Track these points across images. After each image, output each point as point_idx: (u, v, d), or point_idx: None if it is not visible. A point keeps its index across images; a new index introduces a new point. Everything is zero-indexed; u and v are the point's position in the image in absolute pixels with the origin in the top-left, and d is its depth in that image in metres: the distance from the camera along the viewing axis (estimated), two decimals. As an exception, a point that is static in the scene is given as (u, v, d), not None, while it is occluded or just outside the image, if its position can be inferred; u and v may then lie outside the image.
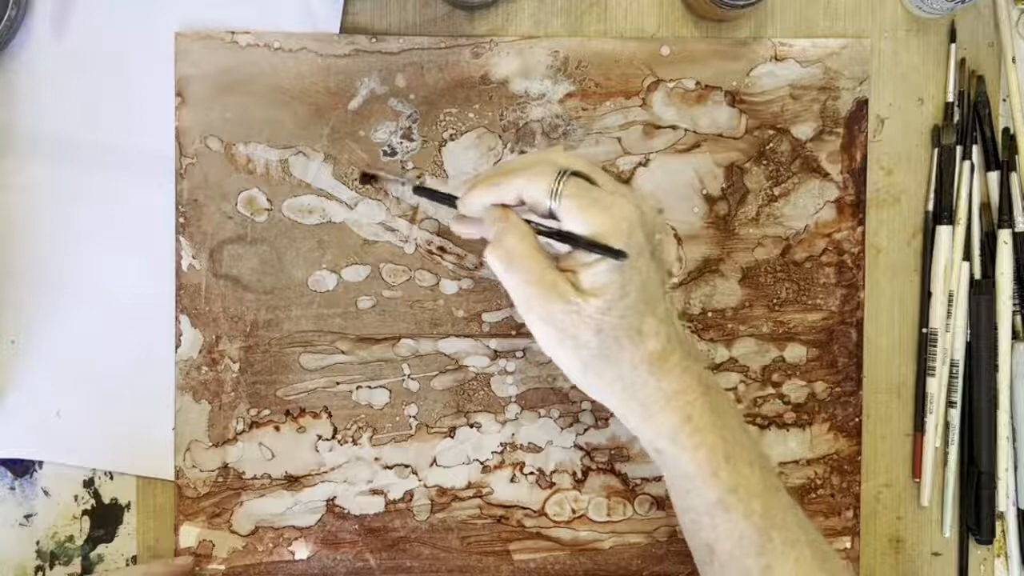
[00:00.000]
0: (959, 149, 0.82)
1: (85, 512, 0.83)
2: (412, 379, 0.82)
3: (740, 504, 0.67)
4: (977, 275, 0.83)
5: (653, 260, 0.66)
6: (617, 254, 0.63)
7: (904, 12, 0.83)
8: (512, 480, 0.82)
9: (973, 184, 0.83)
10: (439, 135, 0.81)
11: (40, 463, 0.83)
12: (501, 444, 0.82)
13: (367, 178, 0.81)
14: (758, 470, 0.68)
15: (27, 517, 0.83)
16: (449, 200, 0.70)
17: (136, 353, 0.82)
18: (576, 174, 0.65)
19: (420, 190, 0.75)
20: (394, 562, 0.82)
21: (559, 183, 0.64)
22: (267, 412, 0.81)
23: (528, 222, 0.67)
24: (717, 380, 0.71)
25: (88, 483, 0.83)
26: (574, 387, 0.80)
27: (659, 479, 0.82)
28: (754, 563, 0.67)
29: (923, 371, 0.83)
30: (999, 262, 0.83)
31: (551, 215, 0.65)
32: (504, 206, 0.67)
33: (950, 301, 0.82)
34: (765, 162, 0.82)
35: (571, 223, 0.64)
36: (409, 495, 0.82)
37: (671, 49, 0.82)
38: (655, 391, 0.67)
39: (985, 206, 0.84)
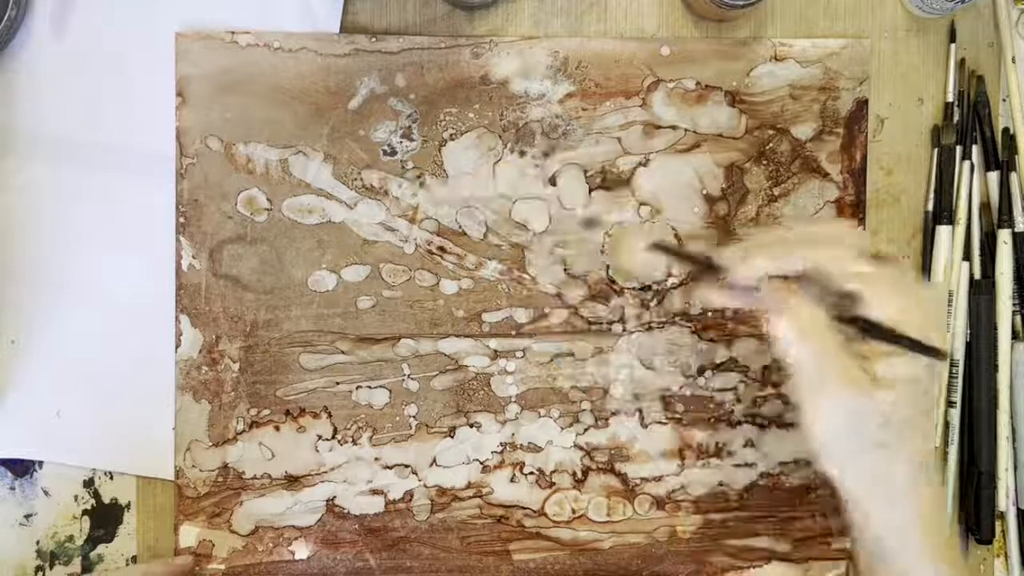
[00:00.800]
0: (959, 149, 0.82)
1: (85, 512, 0.83)
2: (412, 379, 0.82)
3: None
4: (977, 275, 0.83)
5: (943, 359, 0.65)
6: (935, 353, 0.61)
7: (904, 12, 0.83)
8: (512, 480, 0.82)
9: (973, 184, 0.83)
10: (439, 135, 0.81)
11: (40, 463, 0.83)
12: (501, 444, 0.82)
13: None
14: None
15: (27, 517, 0.83)
16: (703, 263, 0.68)
17: (136, 353, 0.82)
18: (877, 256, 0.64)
19: (661, 247, 0.73)
20: (394, 562, 0.82)
21: (864, 265, 0.63)
22: (267, 412, 0.81)
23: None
24: None
25: (88, 483, 0.83)
26: (574, 387, 0.81)
27: (659, 479, 0.82)
28: None
29: (923, 371, 0.83)
30: (999, 262, 0.82)
31: (840, 295, 0.64)
32: (784, 278, 0.66)
33: (950, 301, 0.82)
34: (765, 162, 0.82)
35: (876, 309, 0.63)
36: (409, 495, 0.82)
37: (671, 49, 0.82)
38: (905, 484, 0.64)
39: (985, 206, 0.84)
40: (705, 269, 0.68)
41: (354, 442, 0.82)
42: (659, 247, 0.71)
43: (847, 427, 0.63)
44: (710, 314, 0.82)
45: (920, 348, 0.61)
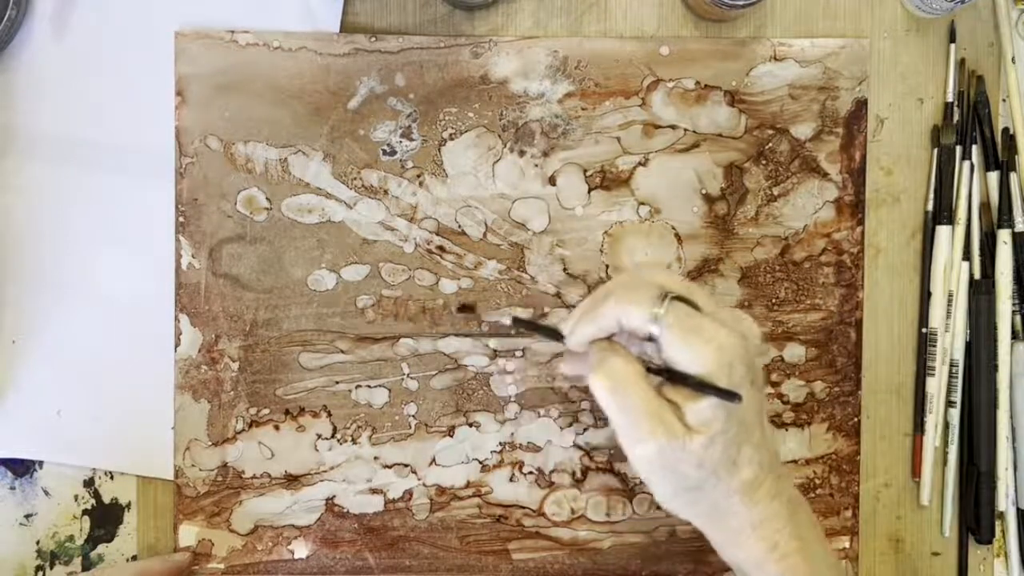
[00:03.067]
0: (959, 149, 0.82)
1: (85, 512, 0.83)
2: (411, 378, 0.82)
3: None
4: (977, 275, 0.83)
5: (753, 387, 0.64)
6: (730, 396, 0.61)
7: (904, 12, 0.83)
8: (511, 479, 0.82)
9: (973, 184, 0.83)
10: (439, 134, 0.81)
11: (40, 463, 0.83)
12: (500, 443, 0.82)
13: (464, 308, 0.81)
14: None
15: (27, 517, 0.83)
16: (554, 335, 0.68)
17: (136, 353, 0.82)
18: (678, 298, 0.64)
19: (520, 322, 0.72)
20: (393, 561, 0.82)
21: (661, 308, 0.63)
22: (266, 411, 0.82)
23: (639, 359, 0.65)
24: (799, 493, 0.70)
25: (88, 483, 0.83)
26: (573, 386, 0.81)
27: (658, 479, 0.82)
28: None
29: (923, 371, 0.83)
30: (999, 262, 0.82)
31: (651, 339, 0.64)
32: (608, 339, 0.66)
33: (950, 301, 0.82)
34: (764, 162, 0.82)
35: (673, 352, 0.63)
36: (408, 494, 0.82)
37: (670, 49, 0.82)
38: (744, 520, 0.65)
39: (985, 206, 0.84)
40: (556, 339, 0.68)
41: (353, 441, 0.82)
42: (518, 322, 0.71)
43: (664, 471, 0.64)
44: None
45: (714, 391, 0.62)
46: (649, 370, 0.65)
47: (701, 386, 0.62)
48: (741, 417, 0.63)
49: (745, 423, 0.64)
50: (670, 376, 0.64)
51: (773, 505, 0.65)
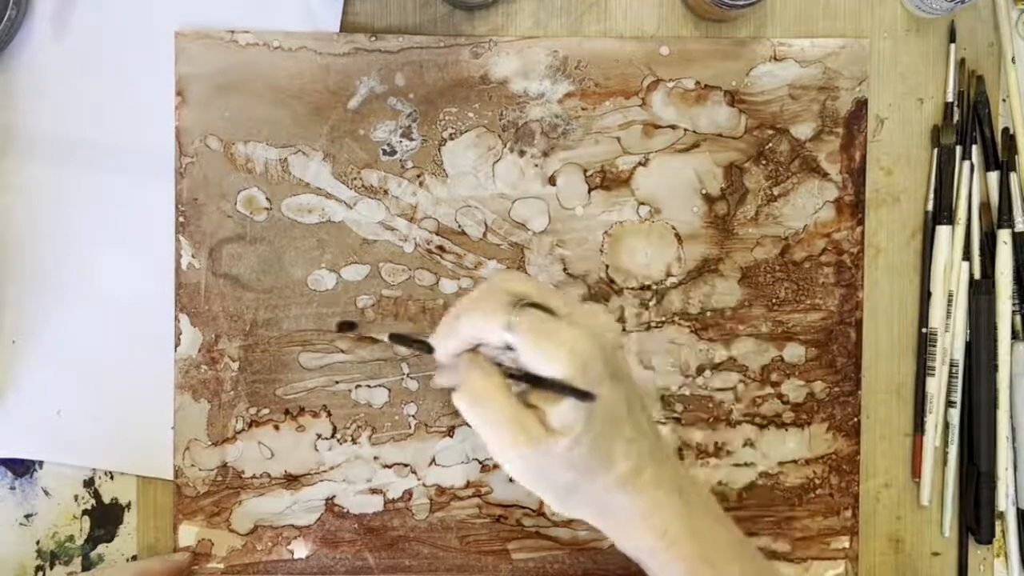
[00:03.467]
0: (959, 149, 0.82)
1: (85, 512, 0.83)
2: (411, 378, 0.82)
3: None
4: (977, 275, 0.83)
5: (615, 382, 0.64)
6: (584, 396, 0.61)
7: (904, 12, 0.83)
8: (511, 480, 0.82)
9: (973, 184, 0.83)
10: (439, 134, 0.81)
11: (40, 463, 0.83)
12: (500, 443, 0.82)
13: (344, 326, 0.80)
14: (738, 565, 0.67)
15: (27, 517, 0.83)
16: (425, 347, 0.67)
17: (136, 353, 0.82)
18: (531, 304, 0.63)
19: (395, 337, 0.71)
20: (393, 561, 0.82)
21: (514, 314, 0.62)
22: (266, 411, 0.81)
23: (499, 365, 0.65)
24: (692, 474, 0.70)
25: (88, 483, 0.83)
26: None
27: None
28: None
29: (923, 371, 0.83)
30: (999, 262, 0.82)
31: (509, 348, 0.63)
32: (472, 349, 0.65)
33: (950, 301, 0.82)
34: (764, 162, 0.82)
35: (528, 357, 0.62)
36: (408, 494, 0.82)
37: (670, 49, 0.82)
38: (630, 511, 0.65)
39: (985, 206, 0.84)
40: (428, 352, 0.68)
41: (353, 441, 0.82)
42: (394, 337, 0.70)
43: (538, 479, 0.64)
44: (709, 313, 0.82)
45: (571, 392, 0.61)
46: (512, 376, 0.64)
47: (559, 388, 0.62)
48: (607, 414, 0.63)
49: (612, 418, 0.63)
50: (530, 381, 0.63)
51: (658, 494, 0.65)
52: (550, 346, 0.62)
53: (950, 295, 0.82)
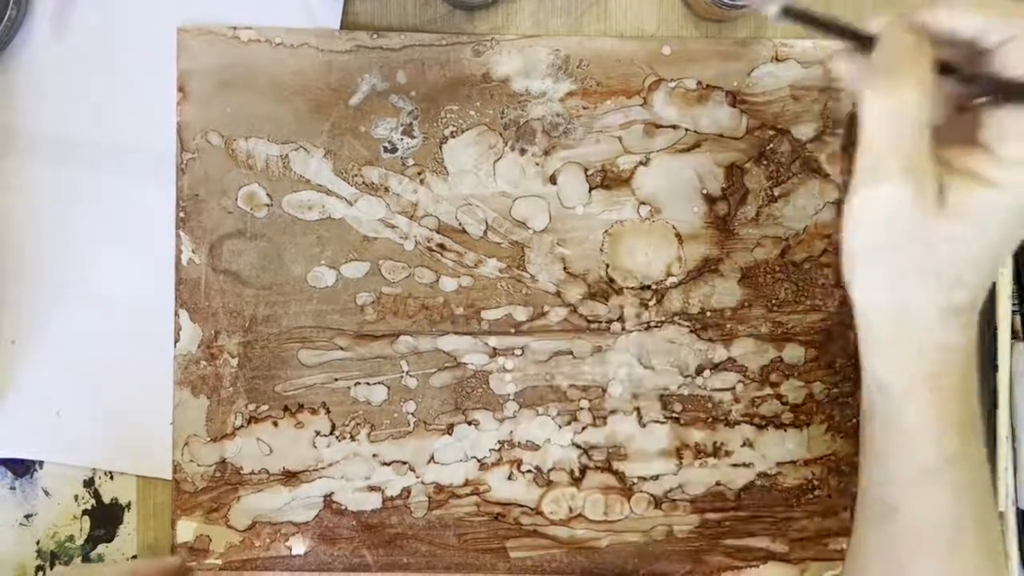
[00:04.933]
0: (959, 150, 0.82)
1: (85, 512, 0.83)
2: (410, 376, 0.82)
3: (955, 476, 0.59)
4: (977, 276, 0.83)
5: None
6: None
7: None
8: (509, 478, 0.82)
9: (973, 184, 0.83)
10: (440, 132, 0.81)
11: (40, 463, 0.83)
12: (499, 442, 0.82)
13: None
14: (979, 452, 0.60)
15: (27, 517, 0.83)
16: (851, 34, 0.56)
17: (136, 352, 0.82)
18: None
19: (791, 13, 0.56)
20: (391, 558, 0.82)
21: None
22: (265, 408, 0.82)
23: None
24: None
25: (88, 483, 0.83)
26: (572, 385, 0.81)
27: (656, 478, 0.82)
28: (944, 543, 0.60)
29: (922, 371, 0.83)
30: (999, 262, 0.82)
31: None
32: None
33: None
34: (765, 162, 0.82)
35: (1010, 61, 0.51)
36: (406, 492, 0.82)
37: (672, 48, 0.82)
38: (928, 340, 0.57)
39: (985, 206, 0.84)
40: (843, 38, 0.57)
41: (352, 438, 0.82)
42: (791, 13, 0.57)
43: (875, 246, 0.55)
44: (709, 314, 0.82)
45: None
46: (947, 70, 0.53)
47: None
48: (1010, 233, 0.54)
49: (1005, 241, 0.54)
50: (996, 90, 0.52)
51: (961, 338, 0.57)
52: None
53: (950, 295, 0.82)
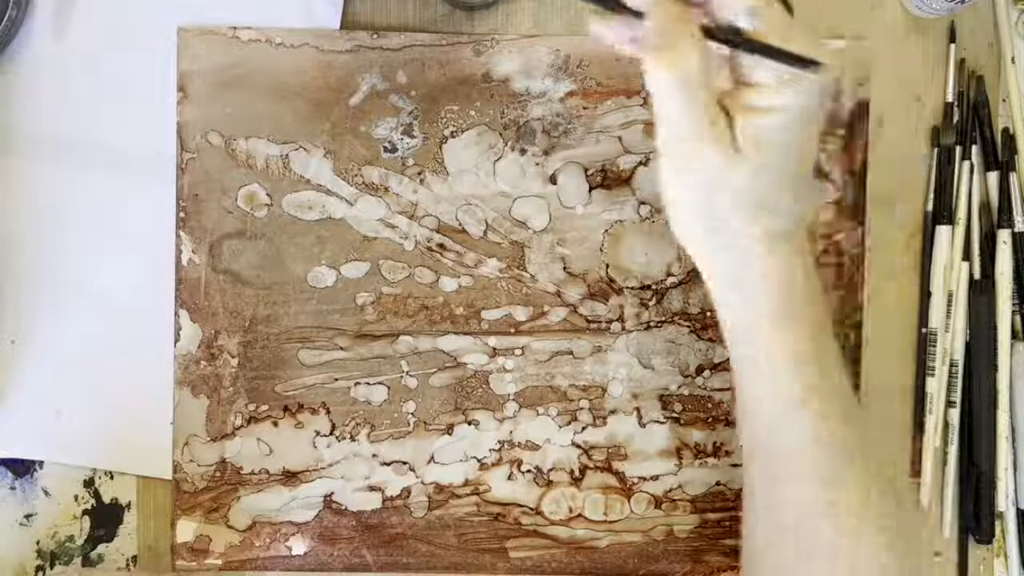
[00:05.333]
0: (959, 149, 0.82)
1: (85, 512, 0.83)
2: (411, 376, 0.82)
3: (819, 407, 0.62)
4: (977, 275, 0.83)
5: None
6: (812, 66, 0.55)
7: (904, 12, 0.83)
8: (509, 478, 0.82)
9: (973, 184, 0.83)
10: (440, 132, 0.81)
11: (40, 463, 0.83)
12: (499, 442, 0.82)
13: None
14: (842, 379, 0.64)
15: (27, 517, 0.83)
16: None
17: (136, 352, 0.82)
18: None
19: None
20: (391, 558, 0.82)
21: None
22: (265, 407, 0.81)
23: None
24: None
25: (88, 483, 0.83)
26: (572, 385, 0.81)
27: (656, 478, 0.82)
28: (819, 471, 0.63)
29: (923, 371, 0.83)
30: (999, 262, 0.82)
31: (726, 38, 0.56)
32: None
33: (950, 301, 0.82)
34: (765, 162, 0.82)
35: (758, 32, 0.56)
36: (406, 492, 0.82)
37: (672, 48, 0.82)
38: (761, 273, 0.60)
39: (985, 206, 0.84)
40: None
41: (352, 438, 0.82)
42: None
43: (696, 191, 0.59)
44: (709, 313, 0.82)
45: (797, 62, 0.55)
46: (709, 34, 0.57)
47: (785, 57, 0.55)
48: (802, 145, 0.59)
49: (796, 159, 0.59)
50: (742, 46, 0.56)
51: (794, 261, 0.61)
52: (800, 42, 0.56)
53: (950, 295, 0.82)
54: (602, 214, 0.82)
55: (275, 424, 0.82)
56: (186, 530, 0.81)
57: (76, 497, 0.83)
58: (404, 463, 0.82)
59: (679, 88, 0.57)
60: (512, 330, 0.82)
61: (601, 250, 0.82)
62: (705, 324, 0.82)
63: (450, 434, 0.82)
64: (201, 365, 0.81)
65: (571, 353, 0.82)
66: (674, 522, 0.82)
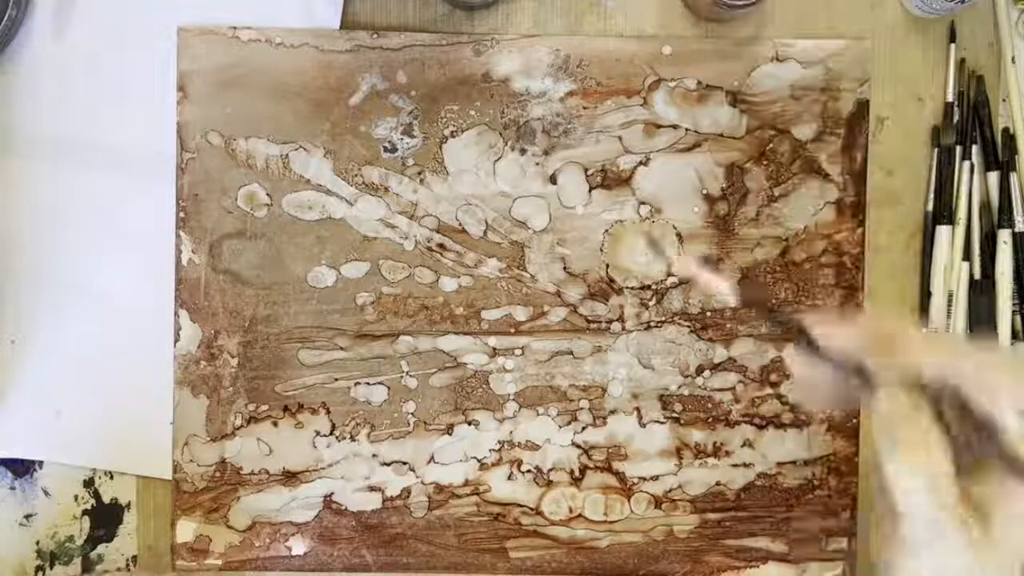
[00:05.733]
0: (959, 149, 0.82)
1: (85, 512, 0.83)
2: (411, 376, 0.82)
3: None
4: (977, 275, 0.83)
5: None
6: None
7: (904, 12, 0.83)
8: (509, 478, 0.82)
9: (973, 184, 0.83)
10: (440, 132, 0.81)
11: (40, 463, 0.83)
12: (499, 442, 0.82)
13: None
14: None
15: (27, 517, 0.83)
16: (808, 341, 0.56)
17: (136, 352, 0.82)
18: None
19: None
20: (391, 558, 0.82)
21: None
22: (265, 407, 0.81)
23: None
24: None
25: (88, 483, 0.83)
26: (572, 385, 0.81)
27: (656, 478, 0.82)
28: None
29: (922, 371, 0.83)
30: (999, 262, 0.82)
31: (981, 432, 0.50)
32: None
33: (950, 301, 0.82)
34: (765, 162, 0.82)
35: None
36: (406, 492, 0.82)
37: (672, 48, 0.82)
38: None
39: (985, 206, 0.84)
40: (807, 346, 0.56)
41: (352, 438, 0.82)
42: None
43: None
44: (709, 314, 0.82)
45: None
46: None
47: None
48: None
49: None
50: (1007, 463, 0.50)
51: None
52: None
53: (950, 295, 0.82)
54: (602, 214, 0.82)
55: (275, 424, 0.82)
56: (186, 530, 0.82)
57: (76, 497, 0.83)
58: (404, 463, 0.82)
59: (925, 490, 0.50)
60: (512, 330, 0.82)
61: (601, 250, 0.82)
62: (705, 324, 0.82)
63: (450, 434, 0.82)
64: (201, 365, 0.81)
65: (571, 353, 0.82)
66: (674, 522, 0.82)
